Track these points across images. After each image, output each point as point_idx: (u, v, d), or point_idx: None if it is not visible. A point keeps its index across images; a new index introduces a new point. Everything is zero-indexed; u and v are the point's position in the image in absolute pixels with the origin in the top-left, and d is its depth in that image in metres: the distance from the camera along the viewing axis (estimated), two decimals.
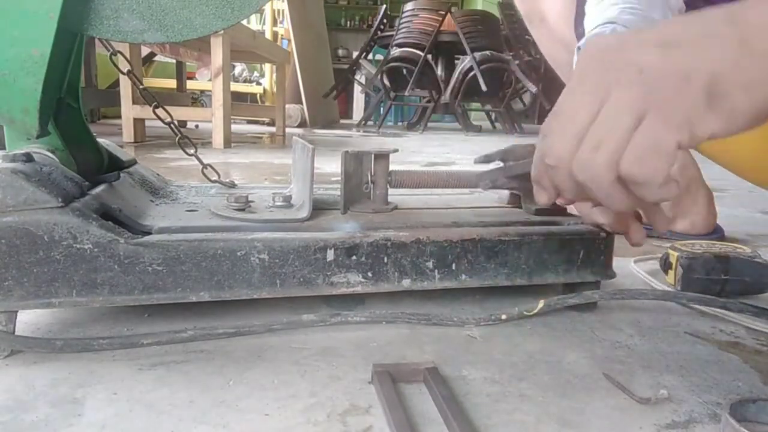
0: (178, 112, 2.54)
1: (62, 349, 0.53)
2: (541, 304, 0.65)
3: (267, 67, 5.74)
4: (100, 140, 0.78)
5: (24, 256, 0.51)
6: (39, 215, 0.51)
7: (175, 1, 0.61)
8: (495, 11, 5.15)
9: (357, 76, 5.31)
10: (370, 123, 5.39)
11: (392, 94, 5.16)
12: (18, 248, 0.51)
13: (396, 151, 0.73)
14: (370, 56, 5.59)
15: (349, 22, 9.13)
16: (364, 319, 0.62)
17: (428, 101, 5.14)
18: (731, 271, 0.75)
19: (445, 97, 4.98)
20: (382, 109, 5.37)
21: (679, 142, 0.38)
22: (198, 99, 5.78)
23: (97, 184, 0.64)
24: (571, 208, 0.71)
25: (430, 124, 5.28)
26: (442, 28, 4.72)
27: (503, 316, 0.64)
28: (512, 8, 5.16)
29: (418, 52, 4.71)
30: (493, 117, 6.00)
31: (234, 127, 3.15)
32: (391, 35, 4.97)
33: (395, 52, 4.83)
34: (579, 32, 0.76)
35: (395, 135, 4.59)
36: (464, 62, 4.76)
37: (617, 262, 0.74)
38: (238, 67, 6.15)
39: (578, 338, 0.62)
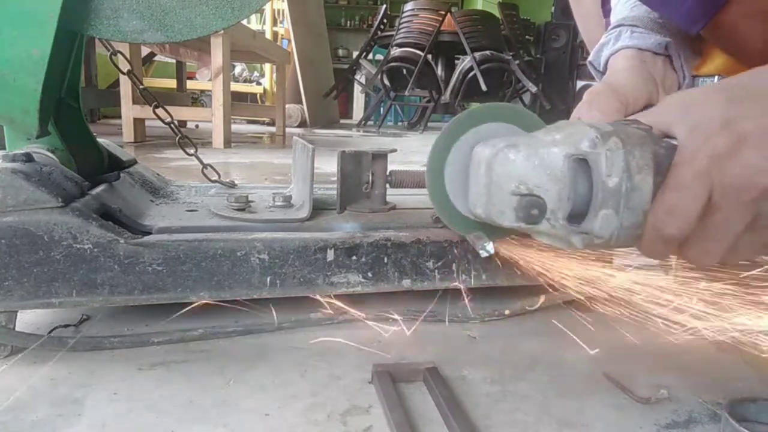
0: (178, 112, 2.54)
1: (74, 347, 0.53)
2: (542, 298, 0.65)
3: (267, 67, 5.74)
4: (100, 140, 0.78)
5: (24, 256, 0.51)
6: (39, 215, 0.51)
7: (175, 1, 0.61)
8: (495, 11, 5.14)
9: (357, 76, 5.31)
10: (370, 123, 5.38)
11: (392, 94, 5.16)
12: (18, 248, 0.51)
13: (394, 151, 0.72)
14: (370, 56, 5.58)
15: (349, 22, 9.11)
16: (372, 317, 0.62)
17: (428, 101, 5.13)
18: None
19: (445, 97, 4.97)
20: (382, 109, 5.37)
21: None
22: (198, 99, 5.77)
23: (97, 184, 0.64)
24: None
25: (430, 124, 5.28)
26: (442, 28, 4.71)
27: (506, 311, 0.65)
28: (512, 8, 5.17)
29: (418, 52, 4.71)
30: None
31: (234, 127, 3.15)
32: (391, 35, 4.97)
33: (395, 52, 4.83)
34: (606, 9, 0.77)
35: (395, 135, 4.59)
36: (464, 62, 4.75)
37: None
38: (238, 67, 6.15)
39: (578, 338, 0.62)
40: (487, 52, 4.66)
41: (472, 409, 0.46)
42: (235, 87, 5.32)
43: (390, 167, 0.73)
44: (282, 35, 5.83)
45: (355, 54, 5.78)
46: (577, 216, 0.41)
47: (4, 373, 0.50)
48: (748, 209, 0.38)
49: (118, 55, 0.83)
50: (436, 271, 0.63)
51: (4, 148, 0.65)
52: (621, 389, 0.50)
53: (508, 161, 0.44)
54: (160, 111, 0.89)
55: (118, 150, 0.81)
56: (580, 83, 5.53)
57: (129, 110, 2.81)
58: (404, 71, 4.89)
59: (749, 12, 0.56)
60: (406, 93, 4.92)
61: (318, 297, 0.61)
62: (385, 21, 5.24)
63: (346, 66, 5.85)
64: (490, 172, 0.45)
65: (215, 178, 0.90)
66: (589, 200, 0.40)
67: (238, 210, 0.67)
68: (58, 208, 0.52)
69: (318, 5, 5.87)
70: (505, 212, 0.44)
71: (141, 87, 0.89)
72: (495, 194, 0.45)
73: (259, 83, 6.07)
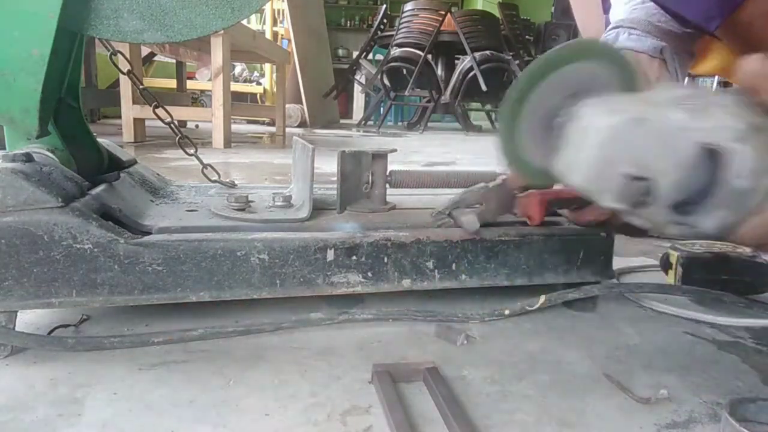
0: (178, 112, 2.54)
1: (74, 347, 0.53)
2: (542, 299, 0.65)
3: (267, 67, 5.74)
4: (100, 140, 0.78)
5: (24, 256, 0.51)
6: (39, 215, 0.51)
7: (175, 1, 0.61)
8: (495, 11, 5.14)
9: (357, 76, 5.31)
10: (370, 123, 5.39)
11: (392, 94, 5.16)
12: (18, 248, 0.51)
13: (394, 150, 0.73)
14: (370, 56, 5.58)
15: (349, 22, 9.11)
16: (371, 317, 0.62)
17: (428, 101, 5.13)
18: (731, 271, 0.75)
19: (445, 97, 4.98)
20: (382, 109, 5.37)
21: None
22: (198, 99, 5.77)
23: (97, 184, 0.64)
24: None
25: (430, 124, 5.28)
26: (442, 28, 4.71)
27: (506, 311, 0.65)
28: (512, 8, 5.16)
29: (418, 52, 4.71)
30: (493, 117, 6.00)
31: (234, 127, 3.15)
32: (391, 35, 4.97)
33: (395, 52, 4.83)
34: (606, 6, 0.77)
35: (395, 135, 4.59)
36: (464, 62, 4.75)
37: (617, 262, 0.74)
38: (238, 67, 6.15)
39: (578, 338, 0.62)
40: (487, 52, 4.67)
41: (472, 409, 0.46)
42: (235, 87, 5.32)
43: (390, 167, 0.73)
44: (282, 35, 5.83)
45: (355, 54, 5.78)
46: (685, 205, 0.38)
47: (4, 373, 0.50)
48: None
49: (118, 55, 0.83)
50: (436, 271, 0.63)
51: (4, 148, 0.65)
52: (621, 389, 0.50)
53: (629, 139, 0.39)
54: (160, 111, 0.89)
55: (118, 150, 0.81)
56: None
57: (129, 110, 2.81)
58: (404, 71, 4.89)
59: (765, 10, 0.56)
60: (406, 93, 4.92)
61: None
62: (385, 21, 5.24)
63: (346, 66, 5.85)
64: (604, 147, 0.40)
65: (215, 178, 0.90)
66: (707, 194, 0.37)
67: (238, 210, 0.67)
68: (58, 208, 0.52)
69: (318, 5, 5.86)
70: (610, 192, 0.40)
71: (141, 87, 0.89)
72: (603, 171, 0.40)
73: (259, 83, 6.07)
